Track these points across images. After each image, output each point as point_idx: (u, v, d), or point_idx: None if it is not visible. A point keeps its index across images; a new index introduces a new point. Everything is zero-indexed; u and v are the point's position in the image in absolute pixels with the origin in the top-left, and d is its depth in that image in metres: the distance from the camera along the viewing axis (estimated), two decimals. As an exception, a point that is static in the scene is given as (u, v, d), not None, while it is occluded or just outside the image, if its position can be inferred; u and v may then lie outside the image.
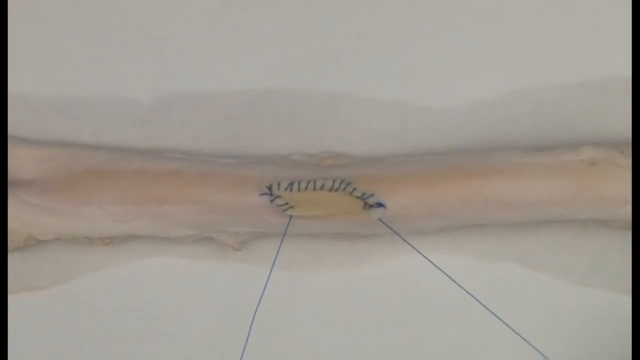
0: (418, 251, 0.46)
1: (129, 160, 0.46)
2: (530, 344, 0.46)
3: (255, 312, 0.46)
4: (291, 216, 0.44)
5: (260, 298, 0.46)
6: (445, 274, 0.46)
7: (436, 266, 0.46)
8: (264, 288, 0.46)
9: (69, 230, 0.46)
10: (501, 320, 0.46)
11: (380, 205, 0.44)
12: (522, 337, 0.46)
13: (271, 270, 0.46)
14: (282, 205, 0.45)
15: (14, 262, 0.47)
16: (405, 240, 0.45)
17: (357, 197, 0.44)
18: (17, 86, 0.47)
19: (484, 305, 0.45)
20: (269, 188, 0.45)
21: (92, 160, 0.46)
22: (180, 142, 0.48)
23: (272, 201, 0.45)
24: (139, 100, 0.48)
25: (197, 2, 0.48)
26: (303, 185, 0.45)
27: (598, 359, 0.47)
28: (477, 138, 0.47)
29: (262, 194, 0.45)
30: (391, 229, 0.44)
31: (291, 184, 0.45)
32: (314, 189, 0.45)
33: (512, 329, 0.45)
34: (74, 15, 0.48)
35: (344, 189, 0.44)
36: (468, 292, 0.45)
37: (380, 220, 0.44)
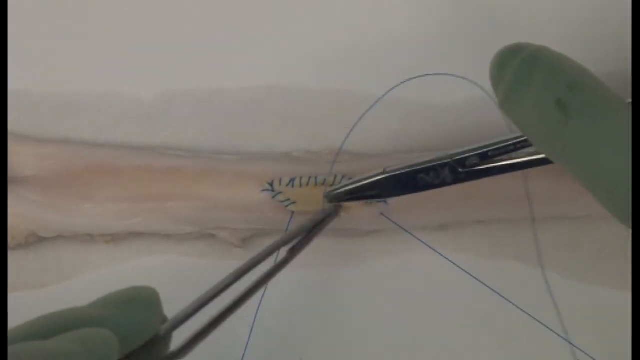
0: (426, 244, 0.46)
1: (130, 157, 0.46)
2: (560, 335, 0.46)
3: (257, 309, 0.46)
4: (293, 212, 0.45)
5: (263, 295, 0.46)
6: (456, 264, 0.46)
7: (446, 258, 0.46)
8: (266, 285, 0.46)
9: (70, 228, 0.46)
10: (521, 309, 0.46)
11: (381, 200, 0.44)
12: (549, 328, 0.46)
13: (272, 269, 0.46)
14: (283, 201, 0.45)
15: (15, 260, 0.47)
16: (410, 233, 0.45)
17: (359, 193, 0.44)
18: (17, 83, 0.47)
19: (501, 296, 0.45)
20: (271, 184, 0.45)
21: (93, 157, 0.46)
22: (181, 139, 0.48)
23: (273, 197, 0.45)
24: (140, 97, 0.48)
25: (198, 0, 0.48)
26: (304, 180, 0.45)
27: (598, 356, 0.47)
28: (478, 136, 0.47)
29: (263, 190, 0.45)
30: (395, 223, 0.44)
31: (292, 179, 0.45)
32: (316, 184, 0.45)
33: (537, 320, 0.45)
34: (74, 12, 0.48)
35: (344, 187, 0.45)
36: (484, 284, 0.45)
37: (382, 214, 0.44)
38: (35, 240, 0.47)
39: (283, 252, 0.42)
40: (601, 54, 0.48)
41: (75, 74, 0.48)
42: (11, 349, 0.30)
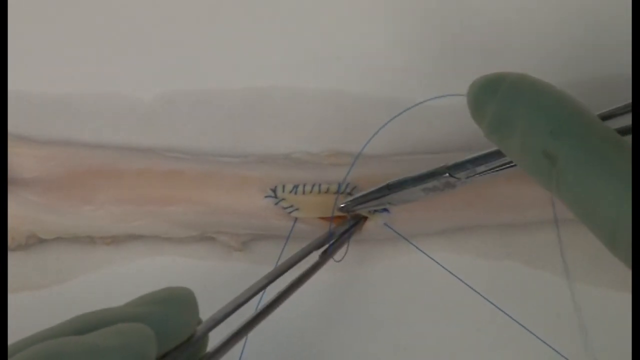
0: (427, 255, 0.46)
1: (130, 159, 0.46)
2: (544, 342, 0.46)
3: (255, 311, 0.46)
4: (296, 218, 0.45)
5: (261, 297, 0.46)
6: (455, 275, 0.46)
7: (446, 269, 0.46)
8: (264, 289, 0.46)
9: (70, 229, 0.46)
10: (513, 318, 0.46)
11: (384, 210, 0.44)
12: (534, 335, 0.46)
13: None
14: (286, 207, 0.45)
15: (15, 261, 0.47)
16: (413, 244, 0.45)
17: (362, 202, 0.45)
18: (17, 83, 0.47)
19: (495, 305, 0.45)
20: (274, 190, 0.45)
21: (94, 159, 0.46)
22: (181, 140, 0.48)
23: (276, 204, 0.45)
24: (141, 99, 0.47)
25: (198, 1, 0.48)
26: (308, 188, 0.45)
27: (598, 357, 0.47)
28: (479, 138, 0.47)
29: (266, 196, 0.45)
30: (398, 234, 0.45)
31: (296, 187, 0.45)
32: (319, 192, 0.45)
33: (525, 327, 0.46)
34: (74, 12, 0.48)
35: (349, 193, 0.44)
36: (479, 293, 0.45)
37: (386, 225, 0.45)
38: (36, 241, 0.47)
39: (315, 255, 0.43)
40: (601, 56, 0.48)
41: (75, 74, 0.48)
42: (48, 344, 0.30)
